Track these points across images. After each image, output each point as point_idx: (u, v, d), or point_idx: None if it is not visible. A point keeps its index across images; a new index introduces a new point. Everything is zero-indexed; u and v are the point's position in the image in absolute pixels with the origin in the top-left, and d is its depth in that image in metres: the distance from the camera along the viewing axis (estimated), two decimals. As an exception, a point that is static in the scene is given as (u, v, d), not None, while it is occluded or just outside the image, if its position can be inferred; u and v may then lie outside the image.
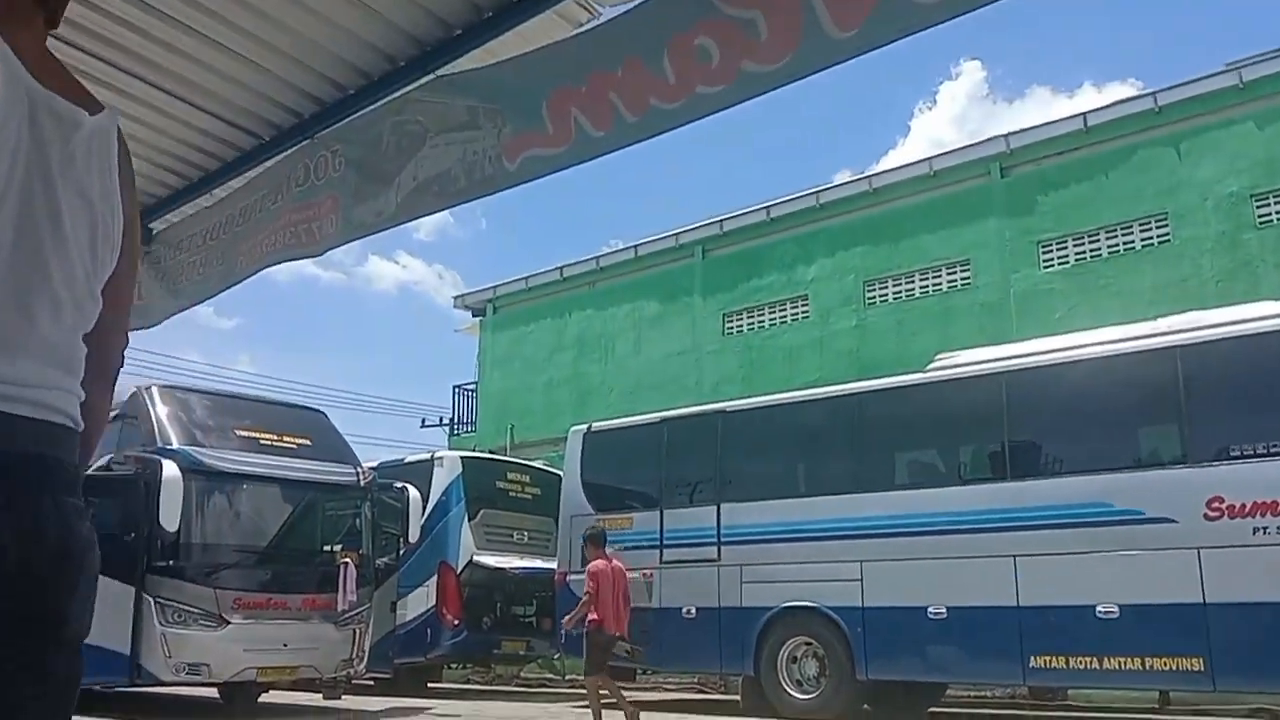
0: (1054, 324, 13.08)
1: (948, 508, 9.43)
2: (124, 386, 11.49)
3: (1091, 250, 15.42)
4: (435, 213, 3.45)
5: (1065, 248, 15.67)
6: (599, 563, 9.00)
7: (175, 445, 10.24)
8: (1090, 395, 9.18)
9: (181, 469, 9.83)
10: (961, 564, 9.14)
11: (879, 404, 10.38)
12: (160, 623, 9.62)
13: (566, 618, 9.39)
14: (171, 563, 9.87)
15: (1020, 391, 9.46)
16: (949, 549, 9.24)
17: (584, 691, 15.11)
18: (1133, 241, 15.10)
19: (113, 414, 11.13)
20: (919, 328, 16.25)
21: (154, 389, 10.98)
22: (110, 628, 9.55)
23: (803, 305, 18.24)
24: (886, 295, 17.32)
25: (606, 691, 8.80)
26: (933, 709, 10.95)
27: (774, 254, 18.67)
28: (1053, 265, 15.72)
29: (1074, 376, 9.26)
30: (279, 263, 3.91)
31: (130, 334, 4.57)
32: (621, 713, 8.46)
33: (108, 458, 10.69)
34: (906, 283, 17.10)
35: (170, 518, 9.63)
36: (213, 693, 11.71)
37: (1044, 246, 15.80)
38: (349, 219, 3.51)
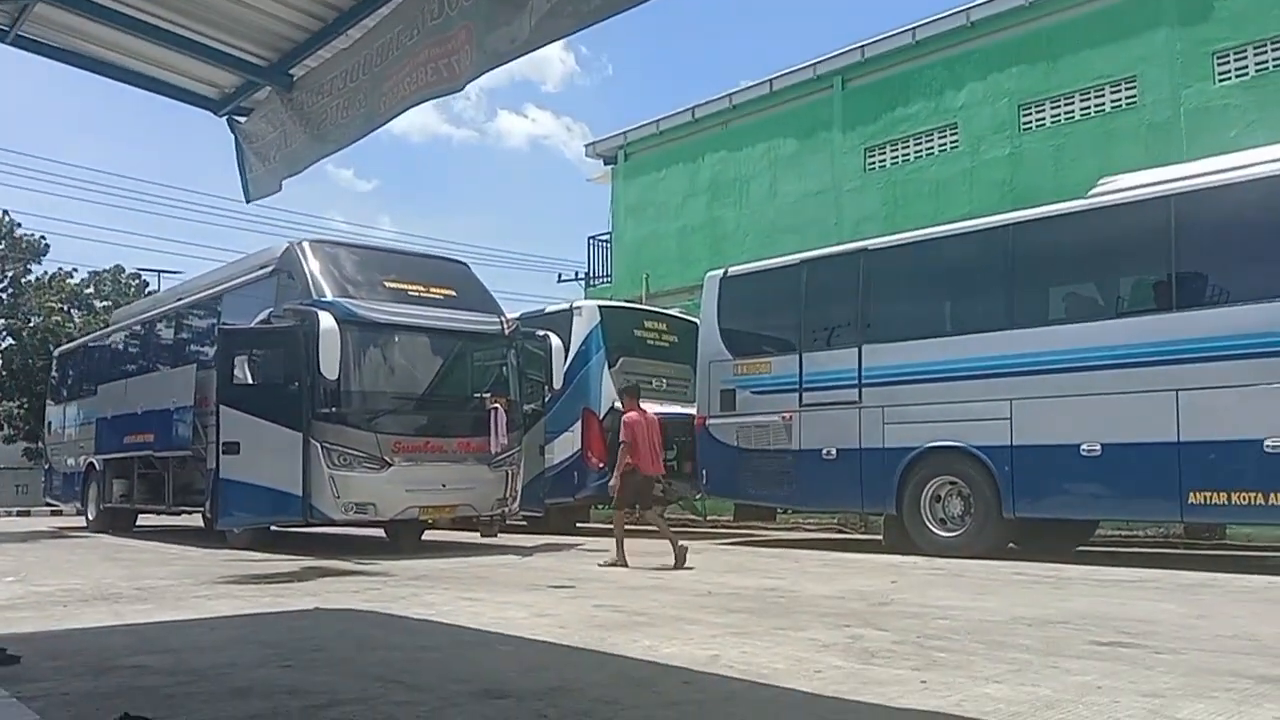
0: (1228, 143, 11.99)
1: (1106, 341, 9.04)
2: (276, 243, 11.97)
3: (1275, 59, 13.95)
4: (570, 35, 3.32)
5: (1244, 58, 14.21)
6: (633, 414, 9.55)
7: (329, 298, 10.65)
8: (1267, 217, 8.46)
9: (337, 320, 10.27)
10: (1119, 399, 8.83)
11: (1036, 234, 9.86)
12: (328, 465, 10.24)
13: (612, 482, 9.73)
14: (334, 409, 10.42)
15: (1189, 215, 8.82)
16: (1106, 385, 8.92)
17: (723, 531, 15.60)
18: (1325, 48, 13.57)
19: (269, 269, 11.82)
20: (1079, 153, 15.19)
21: (305, 244, 11.36)
22: (283, 471, 10.25)
23: (951, 134, 17.26)
24: (1044, 119, 16.17)
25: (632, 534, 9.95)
26: (1081, 547, 10.82)
27: (920, 80, 17.59)
28: (1229, 78, 14.32)
29: (1250, 197, 8.54)
30: (421, 102, 3.85)
31: (284, 184, 4.62)
32: (669, 544, 9.13)
33: (267, 312, 11.25)
34: (1065, 105, 15.89)
35: (330, 366, 10.13)
36: (379, 532, 12.55)
37: (1220, 57, 14.37)
38: (483, 48, 3.40)
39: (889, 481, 10.36)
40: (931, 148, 17.53)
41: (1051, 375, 9.28)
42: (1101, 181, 9.93)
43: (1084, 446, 9.01)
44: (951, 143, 17.23)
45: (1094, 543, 11.42)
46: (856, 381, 10.71)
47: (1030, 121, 16.31)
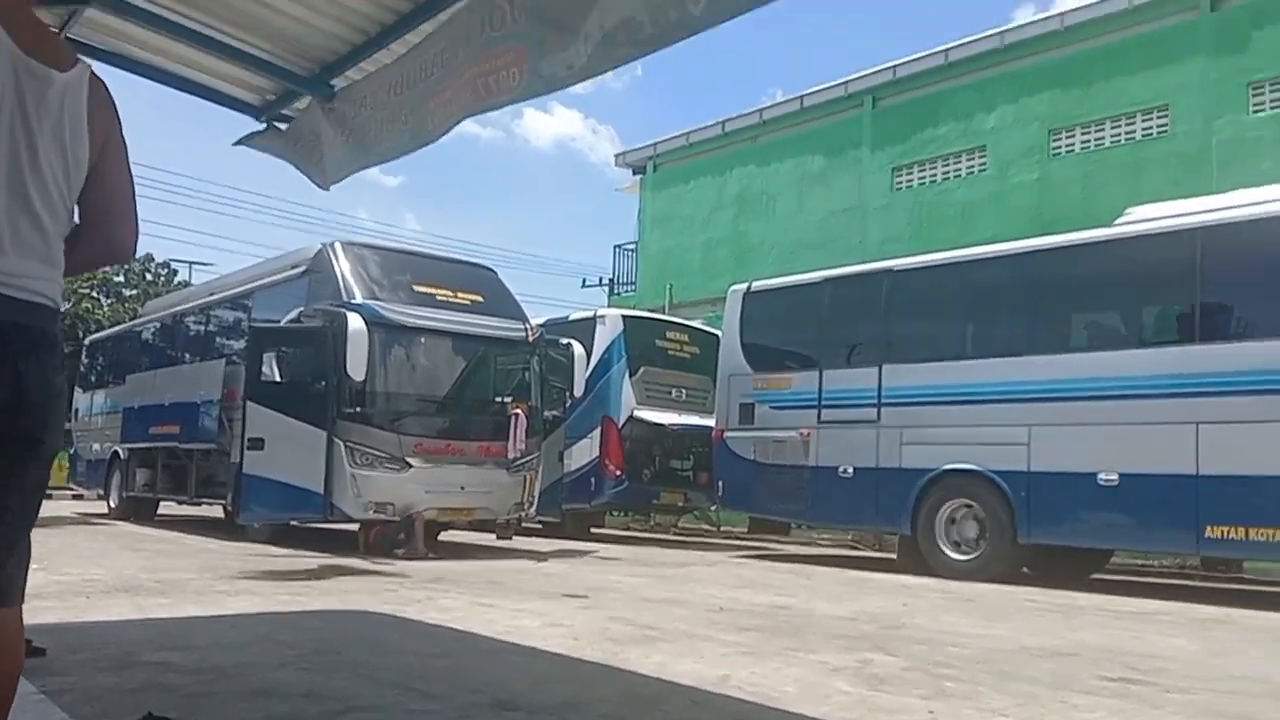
0: (1260, 175, 11.93)
1: (1128, 371, 9.03)
2: (309, 244, 12.12)
3: (1312, 92, 13.91)
4: (627, 63, 3.36)
5: (1280, 90, 14.17)
6: None
7: (359, 299, 10.78)
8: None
9: (366, 321, 10.38)
10: (1138, 430, 8.83)
11: (1060, 261, 9.88)
12: (350, 465, 10.36)
13: None
14: (359, 409, 10.55)
15: (1216, 248, 8.79)
16: (1126, 414, 8.92)
17: (737, 543, 15.62)
18: (1364, 82, 13.50)
19: (301, 269, 11.95)
20: (1107, 181, 15.17)
21: (338, 245, 11.49)
22: (306, 469, 10.38)
23: (980, 157, 17.28)
24: (1073, 145, 16.16)
25: None
26: (1095, 575, 10.78)
27: (951, 102, 17.63)
28: (1263, 109, 14.27)
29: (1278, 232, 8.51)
30: (470, 116, 3.88)
31: (334, 185, 4.68)
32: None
33: (298, 311, 11.39)
34: (1096, 131, 15.86)
35: (357, 367, 10.24)
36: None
37: (1255, 88, 14.32)
38: (537, 73, 3.41)
39: (904, 502, 10.38)
40: (960, 170, 17.54)
41: (1071, 403, 9.28)
42: (1129, 211, 9.94)
43: (1101, 475, 9.01)
44: (980, 165, 17.24)
45: (1109, 571, 11.38)
46: (876, 401, 10.74)
47: (1060, 147, 16.29)
